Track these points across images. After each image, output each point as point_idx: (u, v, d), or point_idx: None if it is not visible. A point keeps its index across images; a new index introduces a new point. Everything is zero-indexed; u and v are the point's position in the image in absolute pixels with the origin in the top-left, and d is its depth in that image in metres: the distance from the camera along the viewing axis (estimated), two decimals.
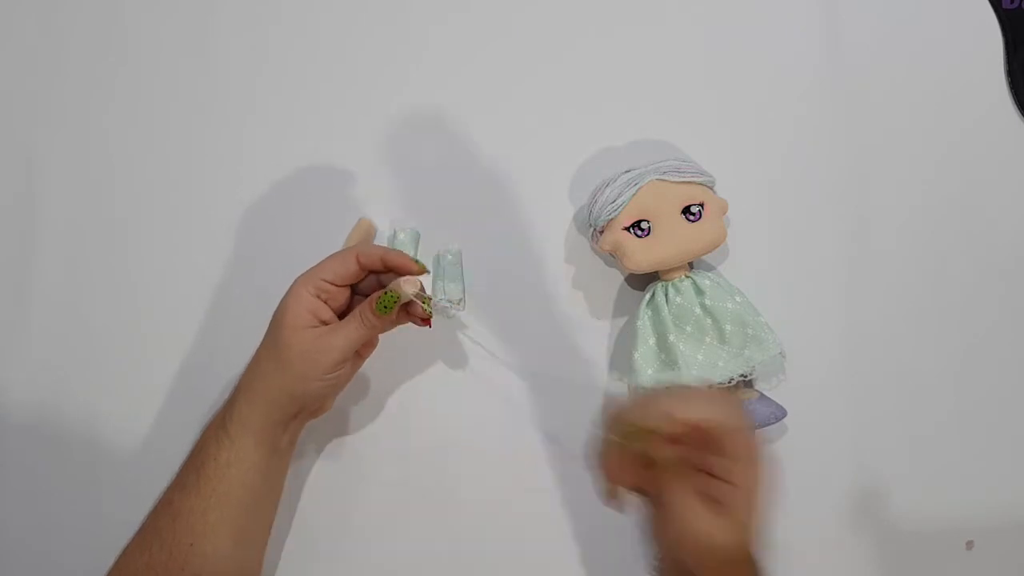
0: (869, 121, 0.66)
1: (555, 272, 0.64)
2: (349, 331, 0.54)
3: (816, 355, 0.64)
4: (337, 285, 0.55)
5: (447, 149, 0.66)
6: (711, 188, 0.61)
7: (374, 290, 0.56)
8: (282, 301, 0.54)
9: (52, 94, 0.67)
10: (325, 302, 0.54)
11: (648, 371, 0.59)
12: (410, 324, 0.57)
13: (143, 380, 0.63)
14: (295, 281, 0.54)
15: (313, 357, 0.53)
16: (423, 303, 0.55)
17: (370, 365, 0.61)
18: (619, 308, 0.64)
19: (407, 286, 0.53)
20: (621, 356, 0.63)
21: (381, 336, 0.59)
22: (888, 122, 0.66)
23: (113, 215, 0.65)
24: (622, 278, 0.65)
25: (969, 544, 0.63)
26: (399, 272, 0.55)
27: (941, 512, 0.63)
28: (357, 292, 0.57)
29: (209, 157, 0.66)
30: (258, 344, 0.55)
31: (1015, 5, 0.67)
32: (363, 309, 0.54)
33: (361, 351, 0.58)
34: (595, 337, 0.64)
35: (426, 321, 0.56)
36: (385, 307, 0.53)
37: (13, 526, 0.62)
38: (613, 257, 0.61)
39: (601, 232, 0.60)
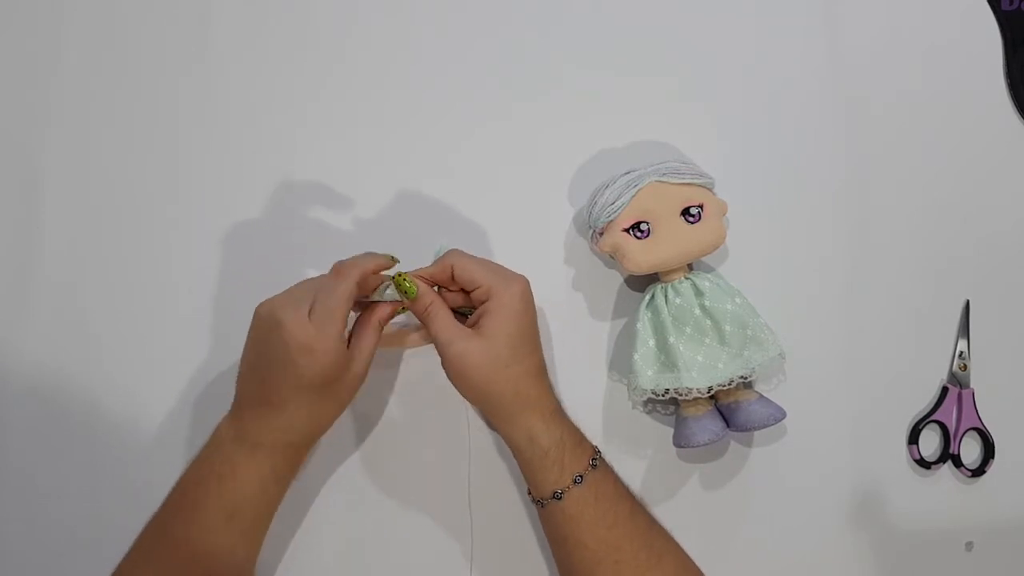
0: (869, 122, 0.66)
1: (555, 273, 0.64)
2: (366, 355, 0.55)
3: (816, 355, 0.64)
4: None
5: (446, 150, 0.66)
6: (710, 189, 0.61)
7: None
8: (305, 364, 0.51)
9: (52, 95, 0.67)
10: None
11: (648, 372, 0.59)
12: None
13: (143, 381, 0.64)
14: (307, 334, 0.51)
15: (349, 388, 0.55)
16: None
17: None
18: (619, 309, 0.64)
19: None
20: (621, 357, 0.63)
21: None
22: (888, 123, 0.66)
23: (114, 214, 0.66)
24: (621, 279, 0.65)
25: (969, 544, 0.63)
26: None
27: (941, 512, 0.63)
28: None
29: (210, 154, 0.66)
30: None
31: (1014, 6, 0.67)
32: (369, 331, 0.55)
33: None
34: (595, 338, 0.64)
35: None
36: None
37: (13, 526, 0.62)
38: (612, 258, 0.61)
39: (601, 234, 0.60)
